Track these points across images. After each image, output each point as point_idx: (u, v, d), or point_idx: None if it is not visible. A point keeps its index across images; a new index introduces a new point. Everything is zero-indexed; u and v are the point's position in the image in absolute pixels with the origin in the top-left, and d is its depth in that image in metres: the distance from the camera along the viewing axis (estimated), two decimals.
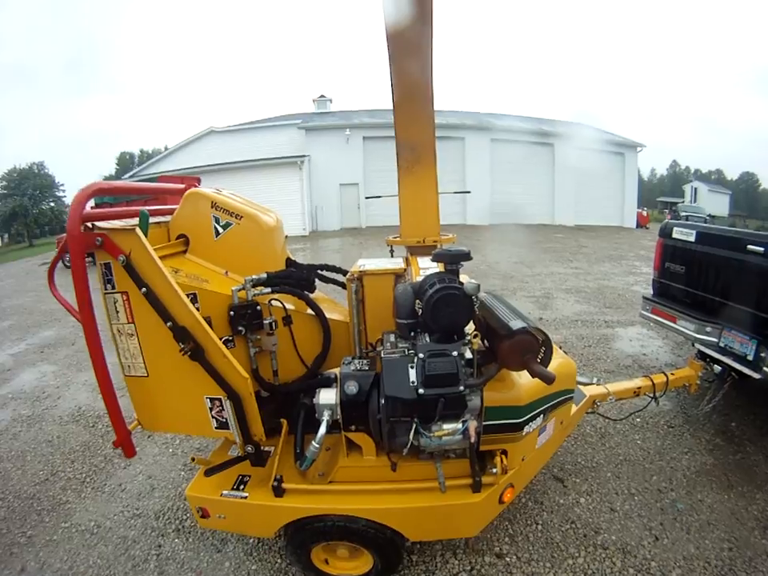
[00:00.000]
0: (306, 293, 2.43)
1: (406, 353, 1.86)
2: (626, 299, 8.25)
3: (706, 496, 3.03)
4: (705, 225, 4.43)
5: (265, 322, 2.19)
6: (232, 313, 2.14)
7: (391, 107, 2.73)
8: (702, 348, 3.86)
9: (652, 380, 3.32)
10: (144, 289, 1.89)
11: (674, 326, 4.12)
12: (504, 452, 2.08)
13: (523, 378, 2.01)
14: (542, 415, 2.16)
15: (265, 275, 2.25)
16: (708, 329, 3.73)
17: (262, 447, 2.11)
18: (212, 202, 2.31)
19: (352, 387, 1.88)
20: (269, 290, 2.24)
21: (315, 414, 1.98)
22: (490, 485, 2.05)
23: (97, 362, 2.05)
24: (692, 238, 4.06)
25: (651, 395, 3.35)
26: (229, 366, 1.91)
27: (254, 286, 2.21)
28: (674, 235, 4.25)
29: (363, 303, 2.40)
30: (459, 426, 1.77)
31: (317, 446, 1.90)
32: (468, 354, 1.83)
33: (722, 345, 3.63)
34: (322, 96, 25.24)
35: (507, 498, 2.17)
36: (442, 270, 2.02)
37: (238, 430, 1.98)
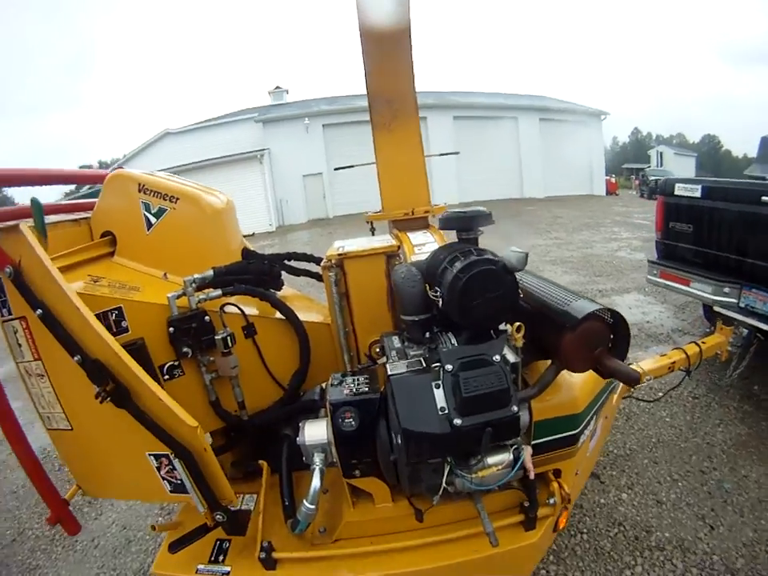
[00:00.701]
0: (271, 291, 1.87)
1: (423, 364, 1.31)
2: (614, 266, 7.94)
3: (750, 471, 2.78)
4: (711, 179, 4.11)
5: (217, 337, 1.62)
6: (171, 329, 1.57)
7: (360, 59, 2.21)
8: (722, 310, 3.53)
9: (685, 352, 2.89)
10: (39, 310, 1.31)
11: (687, 290, 3.77)
12: (557, 472, 1.60)
13: (574, 375, 1.52)
14: (594, 417, 1.69)
15: (211, 272, 1.68)
16: (726, 289, 3.41)
17: (235, 508, 1.54)
18: (139, 185, 1.78)
19: (350, 420, 1.33)
20: (219, 292, 1.68)
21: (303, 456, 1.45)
22: (546, 517, 1.57)
23: (3, 416, 1.59)
24: (698, 194, 3.70)
25: (685, 369, 2.94)
26: (167, 412, 1.34)
27: (198, 289, 1.64)
28: (677, 192, 3.89)
29: (348, 296, 1.83)
30: (509, 456, 1.25)
31: (311, 507, 1.36)
32: (511, 357, 1.29)
33: (742, 305, 3.31)
34: (278, 87, 24.15)
35: (563, 523, 1.69)
36: (442, 242, 1.49)
37: (198, 496, 1.41)
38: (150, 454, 1.41)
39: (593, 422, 1.68)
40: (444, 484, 1.23)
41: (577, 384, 1.52)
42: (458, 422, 1.15)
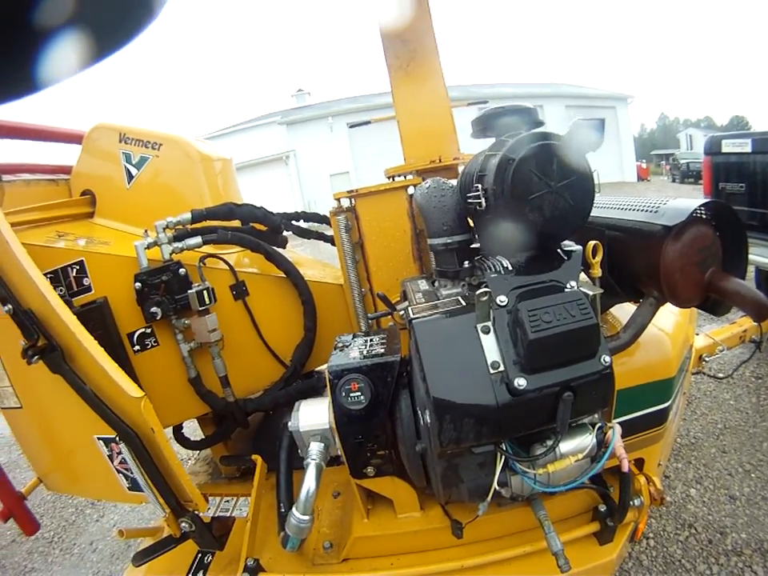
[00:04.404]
0: (267, 245, 1.46)
1: (462, 302, 0.85)
2: None
3: None
4: (761, 131, 3.58)
5: (190, 291, 1.24)
6: (138, 284, 1.23)
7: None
8: None
9: None
10: None
11: None
12: (639, 462, 1.14)
13: (661, 322, 1.07)
14: (680, 388, 1.23)
15: (188, 215, 1.31)
16: None
17: (210, 515, 1.13)
18: (120, 134, 1.49)
19: (357, 394, 0.88)
20: (198, 239, 1.30)
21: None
22: (626, 524, 1.11)
23: None
24: (748, 149, 3.22)
25: (756, 339, 2.45)
26: (106, 379, 0.96)
27: (177, 240, 1.27)
28: (725, 149, 3.41)
29: (362, 246, 1.41)
30: (591, 439, 0.79)
31: (303, 518, 0.92)
32: (588, 289, 0.81)
33: None
34: (300, 90, 23.93)
35: (641, 530, 1.24)
36: None
37: (156, 495, 1.01)
38: (98, 438, 1.03)
39: (679, 394, 1.22)
40: (496, 485, 0.79)
41: (666, 336, 1.06)
42: (521, 383, 0.70)
